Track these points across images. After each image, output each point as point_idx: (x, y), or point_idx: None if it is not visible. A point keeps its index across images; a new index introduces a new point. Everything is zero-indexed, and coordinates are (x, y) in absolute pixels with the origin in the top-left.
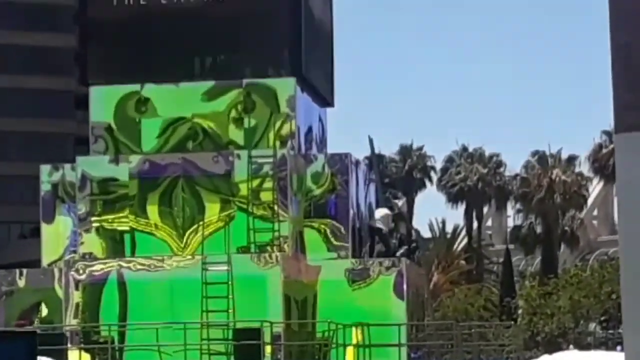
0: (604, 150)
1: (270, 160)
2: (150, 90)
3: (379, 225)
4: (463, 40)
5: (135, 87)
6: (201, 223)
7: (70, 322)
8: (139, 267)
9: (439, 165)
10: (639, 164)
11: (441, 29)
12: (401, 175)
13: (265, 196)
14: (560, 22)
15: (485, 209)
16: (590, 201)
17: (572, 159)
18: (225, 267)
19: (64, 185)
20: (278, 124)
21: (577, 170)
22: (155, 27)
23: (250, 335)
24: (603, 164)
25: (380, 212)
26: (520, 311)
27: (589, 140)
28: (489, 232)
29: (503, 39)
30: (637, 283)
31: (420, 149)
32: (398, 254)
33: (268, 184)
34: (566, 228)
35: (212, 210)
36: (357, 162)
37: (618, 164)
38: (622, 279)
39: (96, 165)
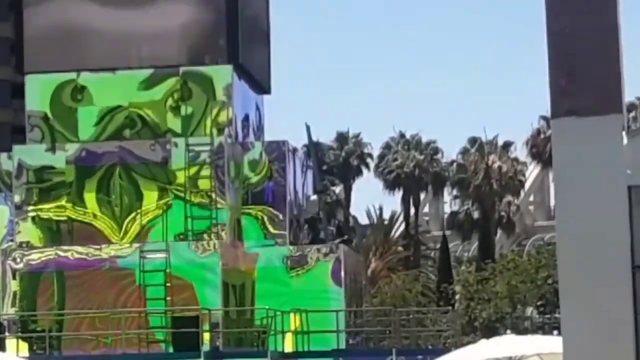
0: (542, 136)
1: (208, 148)
2: (86, 78)
3: (310, 211)
4: (398, 28)
5: (72, 75)
6: (139, 211)
7: (8, 311)
8: (76, 255)
9: (376, 152)
10: (575, 148)
11: (377, 16)
12: (338, 162)
13: (203, 184)
14: (497, 8)
15: (422, 196)
16: (526, 187)
17: (507, 145)
18: (163, 255)
19: (0, 174)
20: (215, 112)
21: (513, 156)
22: (92, 15)
23: (189, 323)
24: (541, 150)
25: (311, 197)
26: (457, 297)
27: (526, 126)
28: (426, 218)
29: (439, 25)
30: (574, 268)
31: (357, 136)
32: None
33: (205, 171)
34: (502, 214)
35: (150, 198)
36: (295, 150)
37: (555, 149)
38: (560, 263)
39: (32, 153)
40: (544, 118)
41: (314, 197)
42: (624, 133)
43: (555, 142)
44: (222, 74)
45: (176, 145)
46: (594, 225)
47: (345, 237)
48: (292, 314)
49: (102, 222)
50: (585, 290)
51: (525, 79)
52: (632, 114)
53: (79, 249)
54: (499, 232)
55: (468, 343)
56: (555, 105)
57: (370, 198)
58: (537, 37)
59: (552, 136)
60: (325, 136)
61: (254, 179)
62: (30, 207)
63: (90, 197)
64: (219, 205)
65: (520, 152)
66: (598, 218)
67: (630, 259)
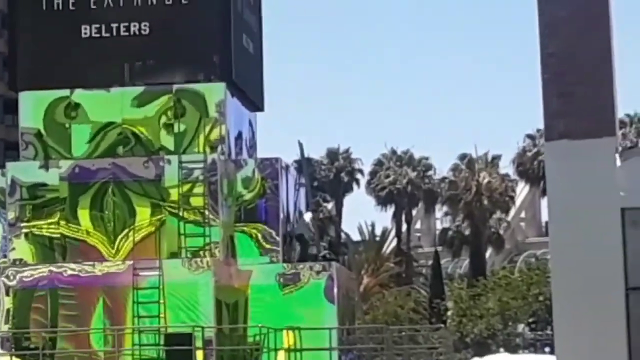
0: (528, 154)
1: (201, 165)
2: (80, 95)
3: (302, 230)
4: (390, 44)
5: (65, 92)
6: (132, 228)
7: (1, 328)
8: (70, 272)
9: (367, 169)
10: (568, 171)
11: (367, 32)
12: (329, 178)
13: (196, 201)
14: (488, 29)
15: (414, 212)
16: (518, 203)
17: (495, 159)
18: (156, 272)
19: None
20: (208, 129)
21: (503, 172)
22: (84, 32)
23: (182, 340)
24: (527, 167)
25: (305, 216)
26: (449, 313)
27: (514, 144)
28: (418, 234)
29: (431, 43)
30: (567, 286)
31: (347, 151)
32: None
33: (198, 188)
34: (493, 230)
35: (143, 215)
36: (287, 167)
37: (548, 171)
38: (554, 285)
39: (26, 170)
40: (529, 136)
41: (307, 215)
42: (617, 155)
43: (549, 163)
44: (215, 91)
45: (169, 162)
46: (587, 247)
47: (325, 253)
48: (285, 331)
49: (95, 239)
50: (579, 311)
51: (514, 96)
52: (622, 131)
53: (72, 265)
54: (490, 248)
55: None
56: (548, 128)
57: (362, 214)
58: (526, 57)
59: (546, 159)
60: (316, 152)
61: (247, 196)
62: (24, 224)
63: (83, 214)
64: (212, 223)
65: (508, 169)
66: (591, 240)
67: (624, 280)
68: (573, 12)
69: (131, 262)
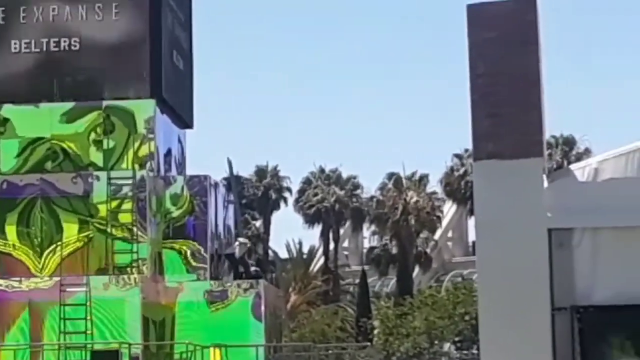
0: (456, 174)
1: (130, 181)
2: (8, 110)
3: (234, 250)
4: (318, 62)
5: None
6: (59, 244)
7: None
8: None
9: (296, 187)
10: (496, 191)
11: (297, 50)
12: (258, 196)
13: (124, 217)
14: (415, 49)
15: (341, 231)
16: (445, 223)
17: (423, 178)
18: (83, 289)
19: None
20: (137, 145)
21: (430, 192)
22: (14, 47)
23: (109, 357)
24: (455, 187)
25: (238, 241)
26: (376, 331)
27: (441, 163)
28: (346, 253)
29: (359, 62)
30: (493, 306)
31: (275, 168)
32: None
33: (127, 205)
34: (420, 249)
35: (71, 231)
36: (216, 184)
37: (476, 191)
38: (479, 302)
39: None
40: (457, 156)
41: (241, 241)
42: (544, 176)
43: (477, 184)
44: (144, 108)
45: (98, 178)
46: (514, 268)
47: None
48: (212, 349)
49: (22, 255)
50: (505, 331)
51: (441, 116)
52: (548, 152)
53: (0, 281)
54: (417, 267)
55: None
56: (477, 148)
57: (290, 232)
58: (454, 77)
59: (474, 178)
60: (245, 170)
61: (176, 213)
62: None
63: (10, 230)
64: (140, 239)
65: (436, 188)
66: (518, 260)
67: (550, 301)
68: (502, 33)
69: (58, 278)
